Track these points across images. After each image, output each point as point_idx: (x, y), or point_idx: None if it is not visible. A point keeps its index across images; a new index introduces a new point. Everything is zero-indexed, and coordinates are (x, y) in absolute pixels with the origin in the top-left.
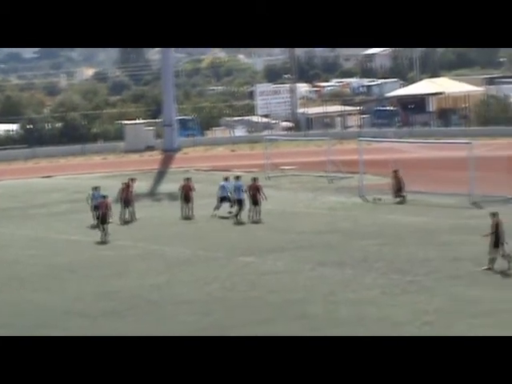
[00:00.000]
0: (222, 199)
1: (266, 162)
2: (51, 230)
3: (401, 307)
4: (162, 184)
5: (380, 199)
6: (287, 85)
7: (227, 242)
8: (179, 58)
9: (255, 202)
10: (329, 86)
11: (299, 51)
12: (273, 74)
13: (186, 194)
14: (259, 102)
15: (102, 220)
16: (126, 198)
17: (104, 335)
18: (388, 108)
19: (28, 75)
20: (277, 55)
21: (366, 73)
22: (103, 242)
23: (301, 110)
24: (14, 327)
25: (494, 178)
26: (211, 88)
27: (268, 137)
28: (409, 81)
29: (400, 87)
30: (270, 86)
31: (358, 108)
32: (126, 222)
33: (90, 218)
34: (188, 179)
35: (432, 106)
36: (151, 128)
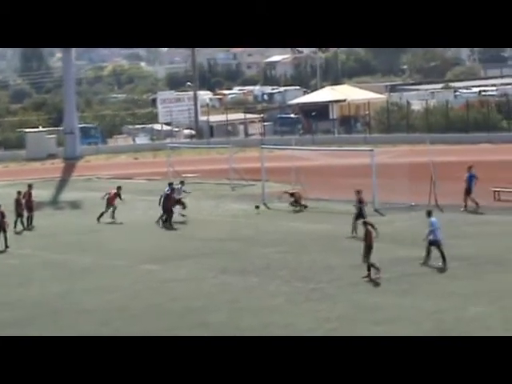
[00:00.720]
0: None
1: (168, 169)
2: None
3: (304, 315)
4: (63, 192)
5: (258, 206)
6: (189, 92)
7: (130, 250)
8: (81, 65)
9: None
10: (231, 94)
11: (201, 58)
12: (175, 82)
13: (21, 204)
14: (161, 109)
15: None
16: (27, 205)
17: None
18: (290, 115)
19: None
20: (179, 63)
21: (269, 80)
22: (2, 251)
23: (203, 118)
24: None
25: (396, 184)
26: (113, 96)
27: (170, 144)
28: (311, 88)
29: (302, 95)
30: (173, 94)
31: (261, 116)
32: (24, 230)
33: None
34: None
35: (334, 113)
36: (53, 136)
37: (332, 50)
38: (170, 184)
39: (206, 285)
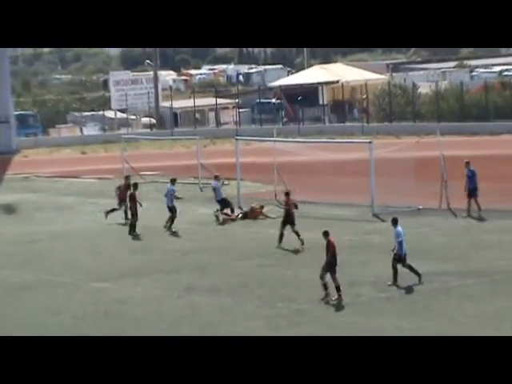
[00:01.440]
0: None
1: (123, 166)
2: None
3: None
4: None
5: (217, 210)
6: (148, 73)
7: (77, 265)
8: None
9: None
10: (199, 75)
11: None
12: (131, 61)
13: None
14: (115, 93)
15: None
16: None
17: None
18: (272, 101)
19: None
20: None
21: (245, 58)
22: None
23: (165, 104)
24: None
25: (400, 184)
26: (56, 77)
27: (126, 136)
28: (296, 68)
29: (286, 75)
30: (128, 75)
31: (235, 101)
32: None
33: None
34: None
35: (325, 97)
36: None
37: None
38: (173, 181)
39: (168, 306)
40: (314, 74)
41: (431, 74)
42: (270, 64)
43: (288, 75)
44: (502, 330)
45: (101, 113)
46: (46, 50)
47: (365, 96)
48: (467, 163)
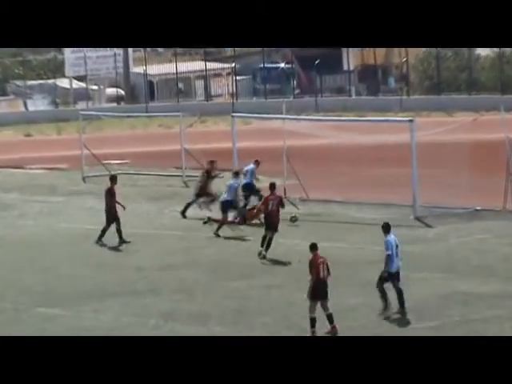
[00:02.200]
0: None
1: (82, 153)
2: None
3: None
4: None
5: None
6: None
7: (19, 284)
8: None
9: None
10: None
11: None
12: None
13: None
14: (70, 55)
15: None
16: None
17: None
18: (280, 65)
19: None
20: None
21: None
22: None
23: (138, 70)
24: None
25: (450, 177)
26: None
27: (85, 113)
28: None
29: None
30: None
31: (231, 65)
32: None
33: None
34: None
35: (350, 61)
36: None
37: None
38: (236, 174)
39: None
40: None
41: None
42: None
43: None
44: None
45: (51, 82)
46: None
47: (404, 59)
48: None
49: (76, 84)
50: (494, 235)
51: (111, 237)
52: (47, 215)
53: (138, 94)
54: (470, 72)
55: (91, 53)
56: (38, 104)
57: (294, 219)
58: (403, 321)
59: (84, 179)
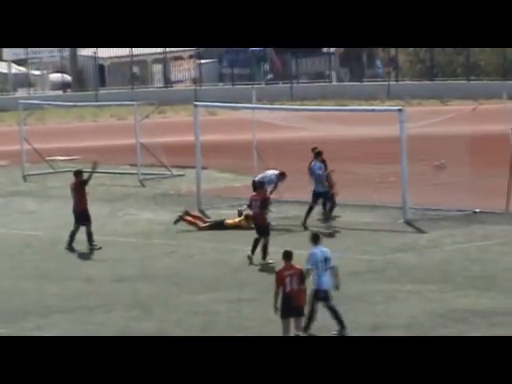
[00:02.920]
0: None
1: (22, 147)
2: None
3: None
4: None
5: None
6: None
7: None
8: None
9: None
10: None
11: None
12: None
13: None
14: None
15: None
16: None
17: None
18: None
19: None
20: None
21: None
22: None
23: (86, 52)
24: None
25: (446, 175)
26: None
27: (26, 101)
28: None
29: None
30: None
31: (194, 48)
32: None
33: None
34: None
35: None
36: None
37: None
38: (319, 154)
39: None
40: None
41: None
42: None
43: None
44: None
45: None
46: None
47: None
48: None
49: (15, 69)
50: (496, 242)
51: (56, 243)
52: None
53: (87, 80)
54: (468, 55)
55: None
56: None
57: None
58: None
59: (25, 178)
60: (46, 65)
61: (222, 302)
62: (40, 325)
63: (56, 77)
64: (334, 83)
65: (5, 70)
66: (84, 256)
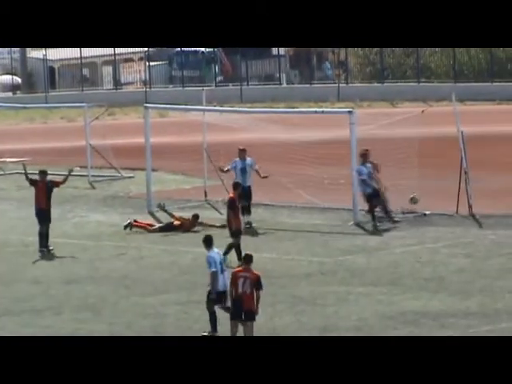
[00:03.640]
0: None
1: None
2: None
3: None
4: None
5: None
6: None
7: None
8: None
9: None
10: None
11: None
12: None
13: None
14: None
15: None
16: None
17: None
18: (199, 49)
19: None
20: None
21: None
22: None
23: (36, 54)
24: None
25: (396, 177)
26: None
27: None
28: None
29: None
30: None
31: (143, 49)
32: None
33: None
34: None
35: None
36: None
37: None
38: (365, 156)
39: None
40: None
41: None
42: None
43: None
44: None
45: None
46: None
47: None
48: None
49: None
50: (446, 244)
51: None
52: None
53: (37, 82)
54: (418, 57)
55: None
56: None
57: (414, 200)
58: None
59: None
60: None
61: (172, 304)
62: None
63: (6, 78)
64: (284, 85)
65: None
66: (33, 258)
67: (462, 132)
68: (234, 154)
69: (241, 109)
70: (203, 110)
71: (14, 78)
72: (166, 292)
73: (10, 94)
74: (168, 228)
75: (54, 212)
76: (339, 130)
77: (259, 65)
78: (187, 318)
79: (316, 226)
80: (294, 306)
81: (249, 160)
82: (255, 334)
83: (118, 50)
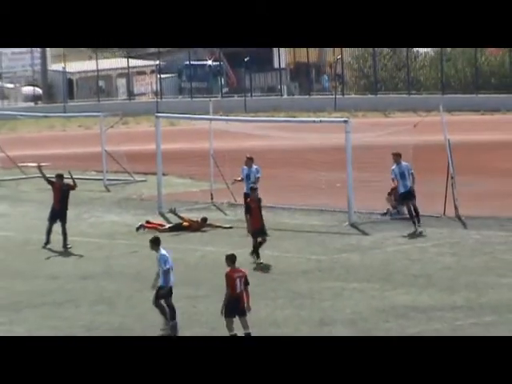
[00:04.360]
0: None
1: None
2: None
3: None
4: None
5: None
6: None
7: None
8: None
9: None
10: None
11: None
12: None
13: None
14: None
15: None
16: None
17: None
18: (207, 63)
19: None
20: None
21: None
22: None
23: (56, 67)
24: None
25: (388, 181)
26: None
27: (0, 112)
28: None
29: None
30: None
31: (155, 63)
32: None
33: None
34: None
35: (282, 59)
36: None
37: None
38: (398, 156)
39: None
40: None
41: None
42: None
43: None
44: None
45: None
46: None
47: (339, 57)
48: None
49: None
50: (434, 243)
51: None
52: None
53: (56, 93)
54: (408, 70)
55: (6, 49)
56: None
57: None
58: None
59: None
60: (19, 78)
61: (181, 297)
62: (12, 319)
63: (28, 90)
64: (285, 96)
65: None
66: (50, 255)
67: (448, 140)
68: (238, 159)
69: (245, 118)
70: (210, 119)
71: (36, 89)
72: (176, 287)
73: (31, 103)
74: (177, 228)
75: (72, 213)
76: (336, 137)
77: (262, 77)
78: (196, 311)
79: (314, 226)
80: (293, 300)
81: (254, 168)
82: (258, 327)
83: (132, 63)
